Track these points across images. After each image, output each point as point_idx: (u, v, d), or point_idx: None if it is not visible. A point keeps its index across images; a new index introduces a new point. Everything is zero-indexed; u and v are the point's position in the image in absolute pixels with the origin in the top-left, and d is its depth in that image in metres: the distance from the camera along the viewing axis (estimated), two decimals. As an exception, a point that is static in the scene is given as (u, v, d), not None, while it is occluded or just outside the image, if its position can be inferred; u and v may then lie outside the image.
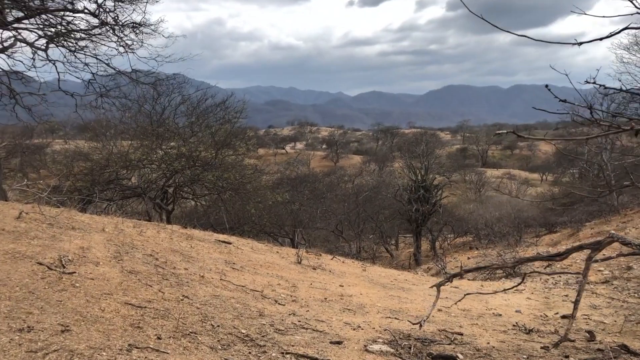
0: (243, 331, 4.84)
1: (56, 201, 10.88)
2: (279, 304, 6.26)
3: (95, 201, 16.51)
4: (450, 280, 5.99)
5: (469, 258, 22.37)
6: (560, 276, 14.20)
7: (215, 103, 21.93)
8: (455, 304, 7.18)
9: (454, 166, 78.99)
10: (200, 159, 19.18)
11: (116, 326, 4.31)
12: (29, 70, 10.78)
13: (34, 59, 10.66)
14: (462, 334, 5.94)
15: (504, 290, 7.25)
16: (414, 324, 5.67)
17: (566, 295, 9.85)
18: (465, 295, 6.63)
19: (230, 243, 10.90)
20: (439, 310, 7.18)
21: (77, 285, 5.12)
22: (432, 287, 6.44)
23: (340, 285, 8.31)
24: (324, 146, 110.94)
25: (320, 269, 9.75)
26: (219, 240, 10.92)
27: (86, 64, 10.98)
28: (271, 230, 31.36)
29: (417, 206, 28.11)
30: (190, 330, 4.56)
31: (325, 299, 7.02)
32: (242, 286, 6.74)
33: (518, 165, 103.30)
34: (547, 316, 7.62)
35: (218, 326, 4.84)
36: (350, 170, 72.11)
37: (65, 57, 10.87)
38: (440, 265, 20.42)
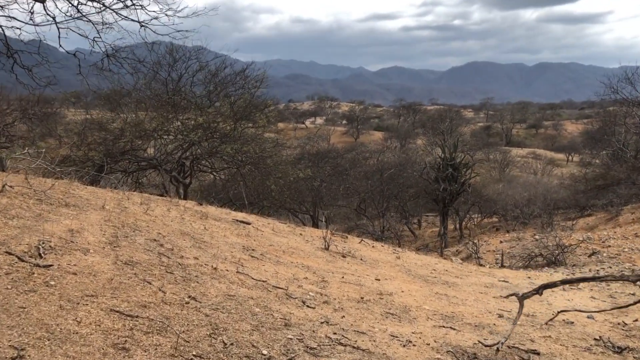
0: (264, 352, 3.67)
1: (62, 173, 9.84)
2: (307, 306, 5.09)
3: (104, 174, 15.45)
4: (540, 293, 4.74)
5: (501, 242, 20.98)
6: (611, 267, 12.89)
7: (234, 72, 20.69)
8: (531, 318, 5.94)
9: (479, 144, 77.02)
10: (218, 130, 18.04)
11: (93, 348, 3.16)
12: (25, 25, 9.60)
13: (32, 12, 9.47)
14: (538, 353, 4.71)
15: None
16: (486, 345, 4.44)
17: (632, 294, 8.55)
18: (558, 313, 5.40)
19: (249, 223, 9.76)
20: (499, 315, 5.95)
21: (52, 283, 3.97)
22: (509, 296, 5.20)
23: (376, 279, 7.12)
24: (344, 122, 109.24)
25: (350, 257, 8.55)
26: (237, 220, 9.78)
27: (90, 20, 9.76)
28: (291, 207, 30.29)
29: (445, 185, 26.70)
30: (194, 353, 3.40)
31: (362, 298, 5.83)
32: (263, 281, 5.57)
33: (543, 144, 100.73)
34: (626, 324, 6.36)
35: (231, 344, 3.67)
36: (371, 146, 70.62)
37: (67, 12, 9.67)
38: (471, 249, 19.15)
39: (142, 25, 10.10)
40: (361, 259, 8.63)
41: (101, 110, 24.85)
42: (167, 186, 20.17)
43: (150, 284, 4.56)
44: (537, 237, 20.28)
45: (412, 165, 32.92)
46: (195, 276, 5.14)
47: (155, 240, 6.07)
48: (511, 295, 5.34)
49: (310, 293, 5.58)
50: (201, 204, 11.43)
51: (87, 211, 6.63)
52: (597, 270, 12.34)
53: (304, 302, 5.16)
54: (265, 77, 19.48)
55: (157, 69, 18.87)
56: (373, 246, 11.00)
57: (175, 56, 19.28)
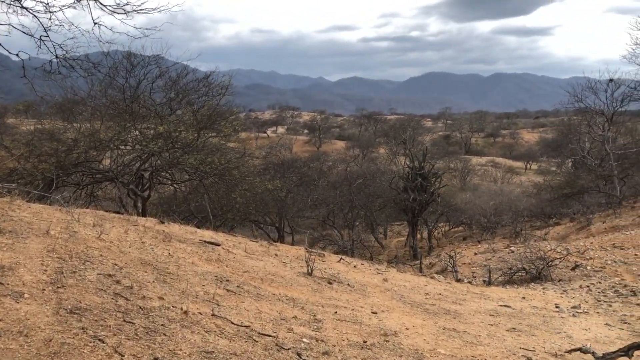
0: None
1: (2, 189, 8.57)
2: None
3: (55, 188, 14.09)
4: (629, 355, 3.84)
5: (475, 254, 20.34)
6: (600, 282, 12.27)
7: (197, 79, 19.50)
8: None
9: (440, 153, 77.46)
10: (180, 140, 16.81)
11: None
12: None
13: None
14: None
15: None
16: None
17: (644, 317, 7.82)
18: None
19: (218, 244, 8.68)
20: (527, 358, 5.05)
21: (-37, 354, 2.87)
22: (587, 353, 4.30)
23: (372, 312, 6.15)
24: (305, 131, 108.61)
25: (336, 282, 7.56)
26: (205, 241, 8.69)
27: (34, 15, 8.53)
28: (256, 219, 29.14)
29: (415, 195, 26.02)
30: None
31: (365, 342, 4.84)
32: (246, 326, 4.53)
33: (501, 153, 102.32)
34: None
35: None
36: (334, 155, 69.98)
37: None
38: (447, 262, 18.41)
39: (95, 23, 8.93)
40: (348, 285, 7.65)
41: (53, 119, 23.25)
42: (124, 200, 18.80)
43: (104, 342, 3.47)
44: (512, 248, 19.73)
45: (381, 174, 32.20)
46: (162, 325, 4.06)
47: (110, 275, 4.96)
48: (586, 352, 4.43)
49: (304, 339, 4.56)
50: (163, 222, 10.26)
51: (26, 239, 5.46)
52: (587, 286, 11.68)
53: (299, 355, 4.14)
54: (230, 84, 18.36)
55: (113, 75, 17.52)
56: (355, 266, 10.05)
57: (133, 61, 17.96)
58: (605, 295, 10.21)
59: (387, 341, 4.99)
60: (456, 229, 35.93)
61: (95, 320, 3.79)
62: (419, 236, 33.37)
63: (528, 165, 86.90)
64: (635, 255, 14.88)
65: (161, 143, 16.14)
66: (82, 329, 3.58)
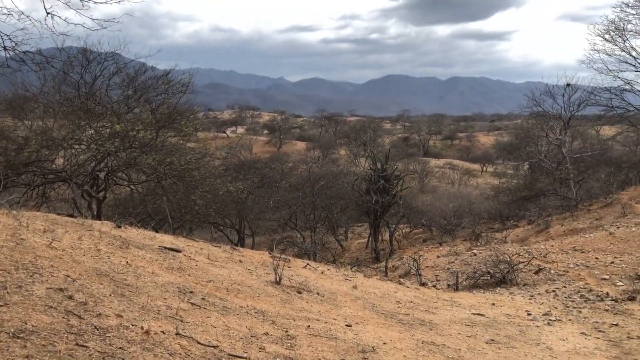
0: None
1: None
2: (280, 384, 3.70)
3: (2, 189, 13.30)
4: None
5: (438, 257, 20.29)
6: (565, 286, 12.29)
7: (156, 75, 18.81)
8: None
9: (399, 155, 78.06)
10: (137, 139, 16.15)
11: None
12: None
13: None
14: None
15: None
16: None
17: (615, 324, 7.74)
18: None
19: (179, 251, 8.20)
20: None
21: None
22: None
23: (346, 325, 5.81)
24: (265, 131, 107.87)
25: (306, 292, 7.19)
26: (165, 247, 8.19)
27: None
28: (215, 221, 28.52)
29: (377, 197, 25.89)
30: None
31: (343, 361, 4.50)
32: (214, 347, 4.12)
33: (458, 155, 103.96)
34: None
35: None
36: (295, 156, 69.57)
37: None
38: (410, 266, 18.28)
39: (48, 13, 8.32)
40: (318, 294, 7.30)
41: (1, 116, 22.15)
42: (79, 201, 17.98)
43: (52, 373, 3.02)
44: (474, 251, 19.76)
45: (344, 176, 32.00)
46: (120, 348, 3.62)
47: (61, 289, 4.47)
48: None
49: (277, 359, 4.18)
50: (120, 226, 9.69)
51: (-35, 249, 4.91)
52: (554, 290, 11.66)
53: (275, 379, 3.76)
54: (192, 82, 17.77)
55: (67, 70, 16.71)
56: (322, 272, 9.70)
57: (89, 56, 17.19)
58: (572, 301, 10.17)
59: (365, 359, 4.66)
60: (416, 230, 36.05)
61: (43, 345, 3.33)
62: (379, 238, 33.32)
63: (484, 168, 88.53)
64: (596, 258, 15.03)
65: (118, 142, 15.47)
66: (27, 357, 3.12)
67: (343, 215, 33.82)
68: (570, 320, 8.13)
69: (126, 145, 15.99)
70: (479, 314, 7.72)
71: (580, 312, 8.91)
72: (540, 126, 37.27)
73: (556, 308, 9.38)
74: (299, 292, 7.02)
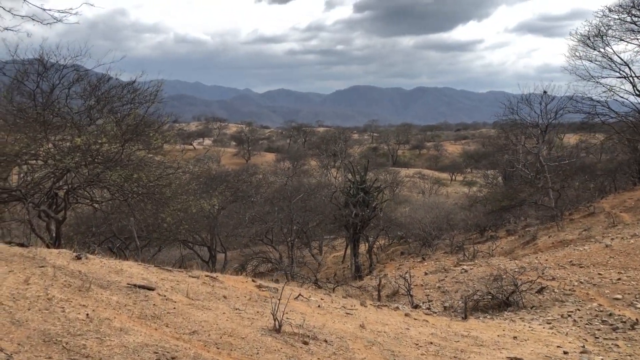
0: None
1: None
2: None
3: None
4: None
5: (426, 274, 19.17)
6: (578, 309, 11.24)
7: (121, 84, 17.30)
8: None
9: (370, 165, 77.36)
10: (101, 153, 14.62)
11: None
12: None
13: None
14: None
15: None
16: None
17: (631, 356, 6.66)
18: None
19: (152, 289, 6.83)
20: None
21: None
22: None
23: (376, 391, 4.58)
24: (233, 143, 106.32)
25: (313, 341, 5.90)
26: (135, 285, 6.81)
27: None
28: (185, 238, 26.93)
29: (357, 210, 24.72)
30: None
31: None
32: None
33: (427, 165, 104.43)
34: None
35: None
36: (264, 167, 68.16)
37: None
38: (398, 284, 17.14)
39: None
40: (326, 341, 6.02)
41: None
42: (35, 223, 16.28)
43: None
44: (464, 267, 18.74)
45: (321, 189, 30.77)
46: None
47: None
48: None
49: None
50: (80, 257, 8.23)
51: None
52: (569, 315, 10.61)
53: None
54: (161, 90, 16.33)
55: (22, 78, 15.12)
56: (319, 305, 8.44)
57: (46, 63, 15.62)
58: (598, 329, 9.13)
59: None
60: (395, 242, 34.97)
61: None
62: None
63: (453, 177, 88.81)
64: (599, 274, 14.11)
65: (78, 157, 13.92)
66: None
67: (318, 229, 32.57)
68: (609, 358, 7.05)
69: (88, 160, 14.45)
70: (516, 358, 6.57)
71: (616, 345, 7.87)
72: (516, 135, 36.85)
73: (586, 340, 8.32)
74: (305, 343, 5.73)
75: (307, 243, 33.06)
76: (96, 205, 18.03)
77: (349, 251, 29.11)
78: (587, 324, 9.73)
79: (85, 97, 16.16)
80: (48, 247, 14.50)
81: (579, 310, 10.93)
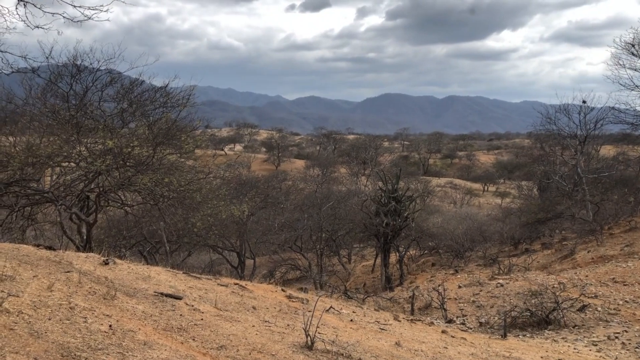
0: None
1: None
2: None
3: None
4: None
5: (459, 287, 18.60)
6: (625, 330, 10.59)
7: (154, 87, 17.24)
8: None
9: (402, 174, 76.59)
10: (132, 157, 14.51)
11: None
12: None
13: None
14: None
15: None
16: None
17: None
18: None
19: (180, 298, 6.53)
20: None
21: None
22: None
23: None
24: (263, 149, 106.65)
25: (343, 358, 5.53)
26: (162, 294, 6.52)
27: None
28: (214, 243, 26.81)
29: (388, 220, 24.22)
30: None
31: None
32: None
33: (458, 174, 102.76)
34: None
35: None
36: (294, 174, 68.00)
37: None
38: (433, 298, 16.60)
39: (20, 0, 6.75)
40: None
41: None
42: (67, 225, 16.26)
43: None
44: (500, 281, 18.09)
45: (352, 196, 30.35)
46: None
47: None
48: None
49: None
50: (107, 262, 8.01)
51: None
52: (616, 336, 9.99)
53: None
54: (193, 94, 16.18)
55: (55, 80, 15.14)
56: (351, 319, 8.04)
57: (80, 65, 15.62)
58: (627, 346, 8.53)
59: None
60: (426, 253, 34.28)
61: None
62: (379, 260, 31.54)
63: (486, 187, 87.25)
64: None
65: (110, 160, 13.82)
66: None
67: (347, 237, 32.12)
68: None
69: (119, 163, 14.35)
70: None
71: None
72: (550, 145, 35.87)
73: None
74: (339, 361, 5.35)
75: (336, 251, 32.66)
76: (127, 209, 17.98)
77: (378, 261, 28.59)
78: (636, 347, 9.12)
79: (118, 100, 16.11)
80: (78, 249, 14.45)
81: (626, 332, 10.30)
